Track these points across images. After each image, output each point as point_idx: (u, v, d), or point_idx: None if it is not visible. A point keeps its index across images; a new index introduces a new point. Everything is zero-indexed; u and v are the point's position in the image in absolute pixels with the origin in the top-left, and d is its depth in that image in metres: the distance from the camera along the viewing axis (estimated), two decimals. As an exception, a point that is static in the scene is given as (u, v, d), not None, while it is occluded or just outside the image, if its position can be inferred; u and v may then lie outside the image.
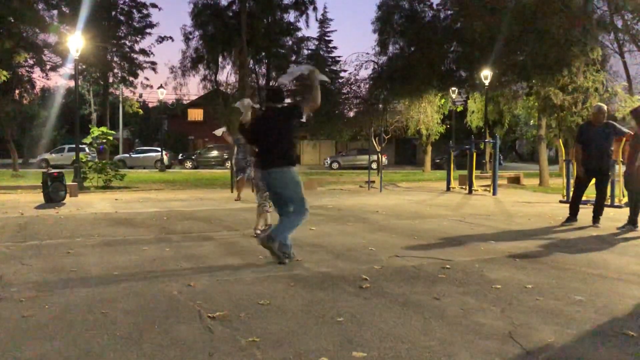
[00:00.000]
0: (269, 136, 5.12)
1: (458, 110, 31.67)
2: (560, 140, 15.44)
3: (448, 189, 15.39)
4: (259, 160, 5.39)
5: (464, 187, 15.27)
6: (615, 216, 8.72)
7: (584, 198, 8.25)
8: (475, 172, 15.09)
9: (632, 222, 7.46)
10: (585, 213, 8.17)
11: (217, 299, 3.87)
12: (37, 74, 34.01)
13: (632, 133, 7.65)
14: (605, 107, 8.01)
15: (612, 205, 9.91)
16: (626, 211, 8.08)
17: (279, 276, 4.61)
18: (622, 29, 20.07)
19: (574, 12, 16.61)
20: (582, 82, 16.19)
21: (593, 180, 7.99)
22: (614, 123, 8.01)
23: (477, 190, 14.50)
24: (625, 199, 9.95)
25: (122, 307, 3.66)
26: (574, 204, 8.11)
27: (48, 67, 26.48)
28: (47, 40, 25.00)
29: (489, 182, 15.04)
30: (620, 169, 9.78)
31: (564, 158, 12.97)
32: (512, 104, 21.07)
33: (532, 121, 28.71)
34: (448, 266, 5.02)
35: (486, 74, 19.28)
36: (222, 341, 3.03)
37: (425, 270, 4.86)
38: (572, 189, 8.38)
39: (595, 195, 8.05)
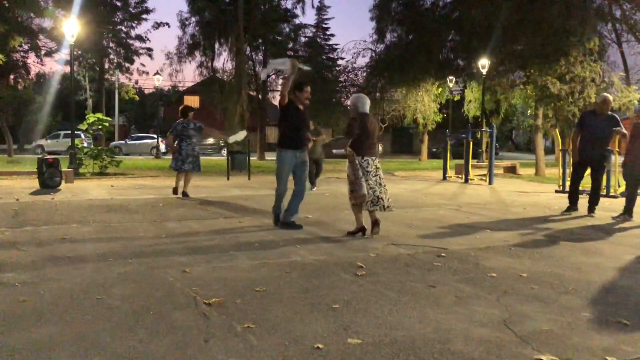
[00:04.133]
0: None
1: (455, 99, 31.58)
2: (557, 130, 15.44)
3: (444, 178, 15.40)
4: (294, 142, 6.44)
5: (460, 176, 15.28)
6: (611, 206, 8.75)
7: (580, 188, 8.27)
8: (471, 162, 15.10)
9: (627, 212, 7.48)
10: (581, 203, 8.19)
11: (212, 286, 3.88)
12: (32, 59, 33.66)
13: (629, 135, 7.60)
14: (610, 98, 7.97)
15: (607, 195, 9.94)
16: (621, 201, 8.11)
17: (275, 263, 4.62)
18: (620, 19, 20.06)
19: (572, 1, 16.54)
20: (579, 71, 16.16)
21: (589, 170, 8.01)
22: (618, 117, 7.96)
23: (473, 179, 14.51)
24: (620, 189, 9.98)
25: (118, 293, 3.66)
26: (573, 193, 8.14)
27: (43, 52, 26.25)
28: (42, 24, 24.75)
29: (485, 171, 15.06)
30: (617, 159, 9.79)
31: (560, 148, 12.98)
32: (509, 93, 21.02)
33: (529, 111, 28.69)
34: (444, 254, 5.03)
35: (484, 63, 19.20)
36: (217, 327, 3.03)
37: (420, 259, 4.87)
38: (569, 179, 8.38)
39: (590, 185, 8.08)
